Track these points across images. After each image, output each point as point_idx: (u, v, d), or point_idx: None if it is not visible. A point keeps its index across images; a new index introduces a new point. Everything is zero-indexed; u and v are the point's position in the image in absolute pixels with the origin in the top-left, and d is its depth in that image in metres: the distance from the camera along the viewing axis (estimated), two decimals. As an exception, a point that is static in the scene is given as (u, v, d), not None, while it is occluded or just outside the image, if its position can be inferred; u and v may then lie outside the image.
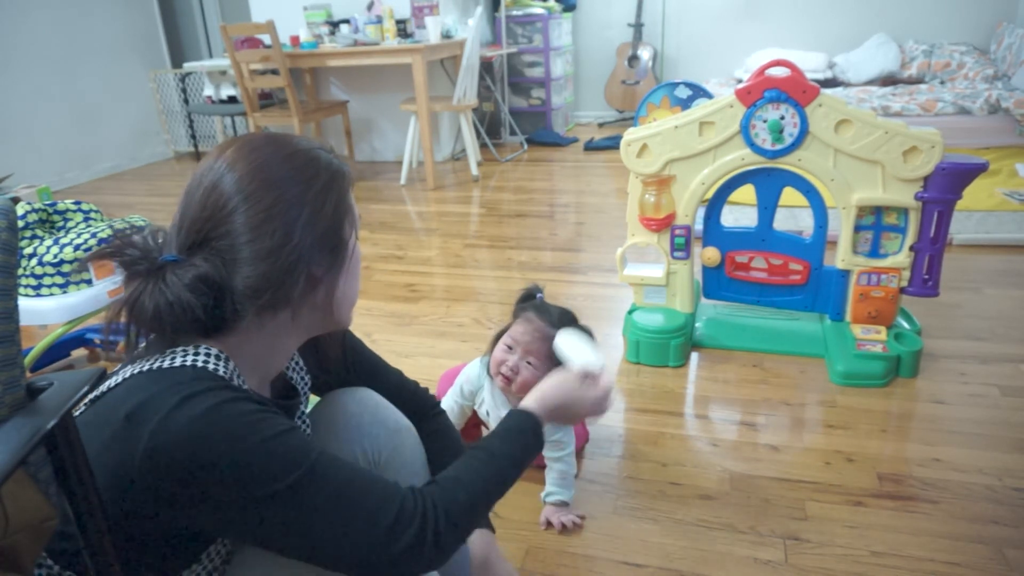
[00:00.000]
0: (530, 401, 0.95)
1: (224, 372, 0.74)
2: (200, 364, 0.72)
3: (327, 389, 1.04)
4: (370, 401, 1.03)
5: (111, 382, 0.73)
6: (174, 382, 0.69)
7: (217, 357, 0.74)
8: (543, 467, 1.47)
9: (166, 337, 0.75)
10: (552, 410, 0.95)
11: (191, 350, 0.73)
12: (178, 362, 0.72)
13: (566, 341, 1.10)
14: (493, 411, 1.49)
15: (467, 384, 1.52)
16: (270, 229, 0.74)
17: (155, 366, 0.71)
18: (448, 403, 1.53)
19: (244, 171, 0.75)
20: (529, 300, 1.50)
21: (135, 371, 0.72)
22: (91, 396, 0.73)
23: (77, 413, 0.73)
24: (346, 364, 1.05)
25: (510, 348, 1.41)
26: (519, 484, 1.49)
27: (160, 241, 0.77)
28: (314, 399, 1.05)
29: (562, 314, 1.42)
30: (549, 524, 1.39)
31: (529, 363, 1.39)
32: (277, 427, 0.71)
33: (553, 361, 1.33)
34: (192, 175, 0.78)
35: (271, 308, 0.76)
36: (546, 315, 1.41)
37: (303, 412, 0.98)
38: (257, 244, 0.73)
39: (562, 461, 1.43)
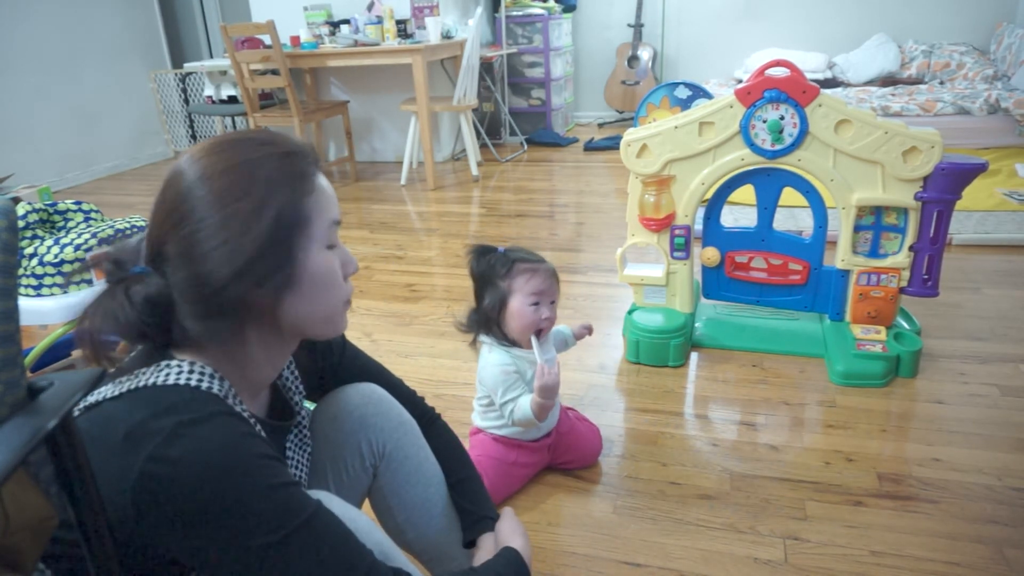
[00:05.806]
0: (513, 543, 0.98)
1: (219, 391, 0.73)
2: (194, 383, 0.71)
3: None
4: (374, 395, 1.03)
5: (108, 392, 0.71)
6: (171, 403, 0.69)
7: (211, 376, 0.73)
8: (551, 468, 1.47)
9: (152, 345, 0.75)
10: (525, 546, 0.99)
11: (185, 367, 0.73)
12: (171, 379, 0.71)
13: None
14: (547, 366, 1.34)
15: (515, 372, 1.39)
16: (186, 262, 0.71)
17: (150, 382, 0.70)
18: (524, 400, 1.36)
19: (172, 193, 0.73)
20: (490, 254, 1.40)
21: (131, 386, 0.71)
22: (89, 401, 0.72)
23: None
24: (345, 371, 1.04)
25: (537, 303, 1.38)
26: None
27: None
28: (309, 405, 1.04)
29: (528, 250, 1.42)
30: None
31: (552, 302, 1.41)
32: (275, 478, 0.70)
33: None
34: None
35: (222, 338, 0.75)
36: (534, 257, 1.41)
37: (302, 428, 0.96)
38: (182, 272, 0.72)
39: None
